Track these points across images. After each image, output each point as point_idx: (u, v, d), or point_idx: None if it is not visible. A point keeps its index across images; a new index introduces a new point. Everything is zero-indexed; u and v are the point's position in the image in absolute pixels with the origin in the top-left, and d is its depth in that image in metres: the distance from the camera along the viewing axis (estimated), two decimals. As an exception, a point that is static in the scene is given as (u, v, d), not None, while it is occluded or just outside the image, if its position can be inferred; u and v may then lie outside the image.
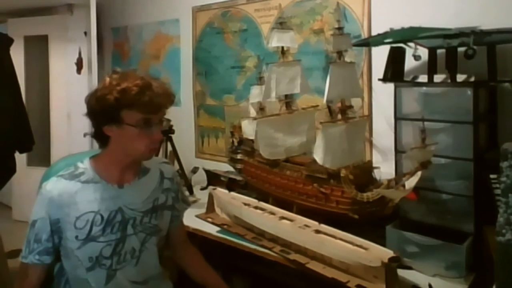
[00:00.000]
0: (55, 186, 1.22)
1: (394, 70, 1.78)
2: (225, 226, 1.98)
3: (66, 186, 1.22)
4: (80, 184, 1.23)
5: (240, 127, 2.39)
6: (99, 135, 1.25)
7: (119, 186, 1.27)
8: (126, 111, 1.17)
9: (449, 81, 1.67)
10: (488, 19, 1.65)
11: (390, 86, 1.77)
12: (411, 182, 1.51)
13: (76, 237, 1.19)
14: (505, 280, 1.17)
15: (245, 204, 1.94)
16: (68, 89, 3.69)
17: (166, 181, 1.40)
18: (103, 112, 1.18)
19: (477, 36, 1.51)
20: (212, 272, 1.45)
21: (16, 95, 2.77)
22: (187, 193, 1.78)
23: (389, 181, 1.63)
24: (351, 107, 1.84)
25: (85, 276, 1.21)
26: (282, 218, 1.79)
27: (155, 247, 1.33)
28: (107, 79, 1.20)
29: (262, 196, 2.07)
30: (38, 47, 4.02)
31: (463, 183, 1.54)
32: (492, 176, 1.39)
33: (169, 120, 1.35)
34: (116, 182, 1.27)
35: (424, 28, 1.66)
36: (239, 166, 2.34)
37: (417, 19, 1.75)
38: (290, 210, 1.87)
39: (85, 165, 1.27)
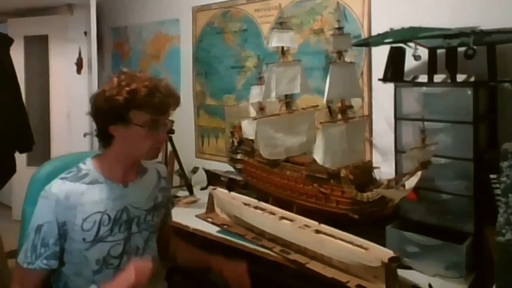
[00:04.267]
0: (61, 188, 1.19)
1: (394, 70, 1.78)
2: (225, 226, 1.98)
3: (71, 188, 1.20)
4: (85, 186, 1.22)
5: (240, 127, 2.39)
6: (103, 135, 1.25)
7: (124, 185, 1.28)
8: (135, 111, 1.18)
9: (449, 81, 1.67)
10: (488, 19, 1.65)
11: (390, 86, 1.77)
12: (411, 182, 1.51)
13: (84, 239, 1.18)
14: (505, 280, 1.17)
15: (245, 204, 1.94)
16: (68, 89, 3.70)
17: (163, 181, 1.42)
18: (111, 112, 1.19)
19: (477, 36, 1.51)
20: (200, 253, 1.49)
21: (16, 95, 2.77)
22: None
23: (389, 181, 1.63)
24: (351, 107, 1.84)
25: (91, 278, 1.20)
26: (282, 218, 1.79)
27: (155, 245, 1.36)
28: (115, 79, 1.21)
29: (262, 196, 2.06)
30: (38, 47, 4.02)
31: (463, 183, 1.54)
32: (492, 176, 1.40)
33: (172, 121, 1.35)
34: (120, 182, 1.28)
35: (424, 28, 1.66)
36: (239, 166, 2.34)
37: (417, 19, 1.75)
38: (290, 210, 1.86)
39: (88, 166, 1.27)
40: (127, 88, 1.17)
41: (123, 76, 1.22)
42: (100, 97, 1.20)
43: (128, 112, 1.18)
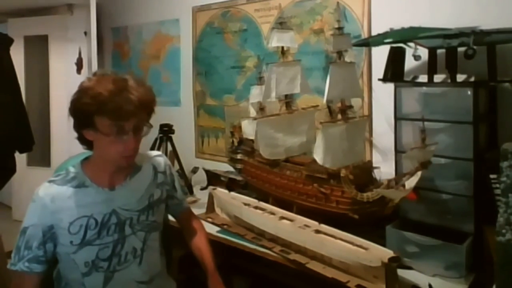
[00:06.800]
0: (48, 191, 1.20)
1: (394, 70, 1.79)
2: (225, 226, 1.98)
3: (58, 191, 1.20)
4: (72, 189, 1.21)
5: (240, 127, 2.39)
6: (80, 138, 1.24)
7: (110, 189, 1.26)
8: (97, 117, 1.14)
9: (449, 81, 1.67)
10: (488, 19, 1.65)
11: (390, 86, 1.77)
12: (411, 182, 1.51)
13: (71, 242, 1.18)
14: (505, 280, 1.17)
15: (245, 204, 1.95)
16: (68, 89, 3.64)
17: (160, 175, 1.39)
18: (77, 116, 1.17)
19: (477, 36, 1.51)
20: (204, 259, 1.41)
21: (16, 95, 2.76)
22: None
23: (389, 181, 1.63)
24: (351, 107, 1.84)
25: (81, 280, 1.20)
26: (282, 218, 1.79)
27: (156, 244, 1.34)
28: (85, 82, 1.18)
29: (262, 196, 2.07)
30: (38, 47, 4.02)
31: (463, 183, 1.54)
32: (492, 176, 1.40)
33: (151, 126, 1.27)
34: (107, 185, 1.26)
35: (424, 28, 1.66)
36: (239, 166, 2.34)
37: (417, 19, 1.76)
38: (290, 210, 1.87)
39: (76, 169, 1.26)
40: (90, 92, 1.13)
41: (93, 78, 1.18)
42: (70, 100, 1.19)
43: (92, 117, 1.14)
